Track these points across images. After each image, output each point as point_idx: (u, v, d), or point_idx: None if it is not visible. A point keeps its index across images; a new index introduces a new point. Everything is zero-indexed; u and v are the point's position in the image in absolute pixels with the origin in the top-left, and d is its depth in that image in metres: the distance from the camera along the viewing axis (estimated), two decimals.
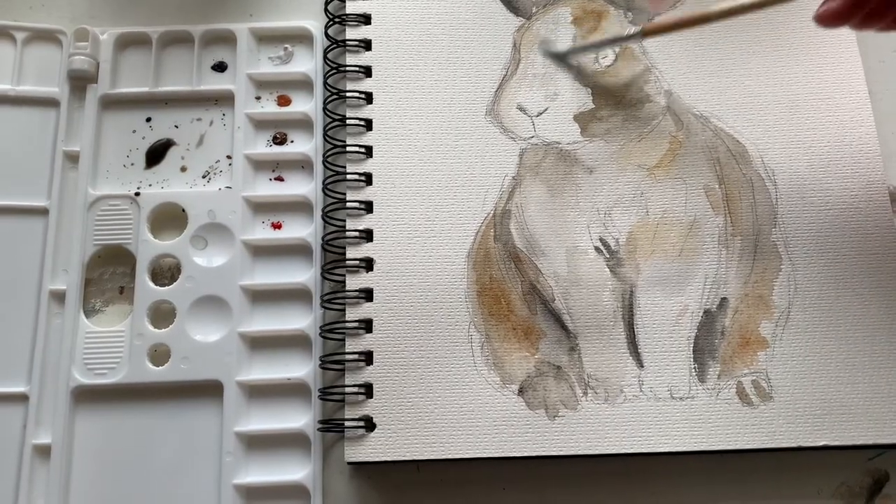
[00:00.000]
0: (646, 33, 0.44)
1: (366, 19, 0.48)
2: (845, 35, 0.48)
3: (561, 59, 0.47)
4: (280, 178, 0.47)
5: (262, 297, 0.45)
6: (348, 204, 0.45)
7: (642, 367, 0.42)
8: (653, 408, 0.41)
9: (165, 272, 0.45)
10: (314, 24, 0.49)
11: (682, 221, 0.44)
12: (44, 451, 0.42)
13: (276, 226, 0.46)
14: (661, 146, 0.46)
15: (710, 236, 0.44)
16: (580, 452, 0.40)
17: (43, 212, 0.46)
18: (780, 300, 0.43)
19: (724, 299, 0.43)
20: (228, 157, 0.47)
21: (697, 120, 0.46)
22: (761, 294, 0.43)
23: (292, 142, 0.48)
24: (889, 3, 0.35)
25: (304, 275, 0.44)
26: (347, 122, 0.46)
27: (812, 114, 0.46)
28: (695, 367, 0.42)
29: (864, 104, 0.46)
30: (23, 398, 0.43)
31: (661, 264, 0.43)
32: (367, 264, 0.44)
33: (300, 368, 0.43)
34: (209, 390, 0.42)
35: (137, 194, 0.46)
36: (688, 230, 0.44)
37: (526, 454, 0.40)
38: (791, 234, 0.44)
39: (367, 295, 0.43)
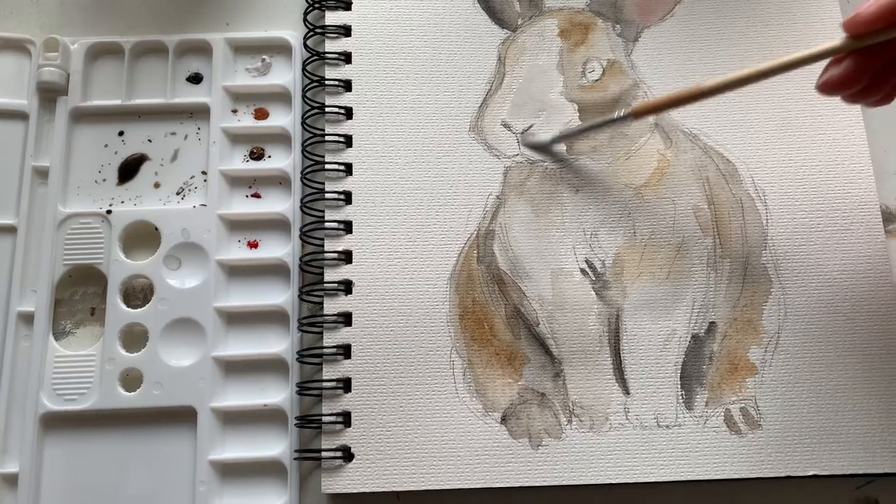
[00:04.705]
0: (636, 115, 0.40)
1: (346, 31, 0.47)
2: None
3: (543, 148, 0.44)
4: (257, 195, 0.45)
5: (238, 319, 0.43)
6: (327, 224, 0.43)
7: (628, 394, 0.41)
8: (639, 436, 0.40)
9: (138, 293, 0.44)
10: (293, 34, 0.47)
11: (670, 243, 0.43)
12: (10, 481, 0.40)
13: (253, 245, 0.44)
14: (649, 164, 0.44)
15: (699, 258, 0.43)
16: (564, 483, 0.39)
17: (11, 230, 0.44)
18: (770, 324, 0.42)
19: (712, 324, 0.42)
20: (204, 172, 0.45)
21: (686, 137, 0.45)
22: (750, 318, 0.42)
23: (270, 157, 0.46)
24: (885, 76, 0.36)
25: (281, 296, 0.43)
26: (327, 138, 0.45)
27: (803, 132, 0.45)
28: (682, 394, 0.41)
29: (857, 122, 0.45)
30: None
31: (648, 287, 0.42)
32: (346, 287, 0.42)
33: (276, 394, 0.42)
34: (182, 417, 0.41)
35: (109, 212, 0.44)
36: (676, 252, 0.43)
37: (509, 484, 0.39)
38: (781, 257, 0.43)
39: (346, 319, 0.42)
